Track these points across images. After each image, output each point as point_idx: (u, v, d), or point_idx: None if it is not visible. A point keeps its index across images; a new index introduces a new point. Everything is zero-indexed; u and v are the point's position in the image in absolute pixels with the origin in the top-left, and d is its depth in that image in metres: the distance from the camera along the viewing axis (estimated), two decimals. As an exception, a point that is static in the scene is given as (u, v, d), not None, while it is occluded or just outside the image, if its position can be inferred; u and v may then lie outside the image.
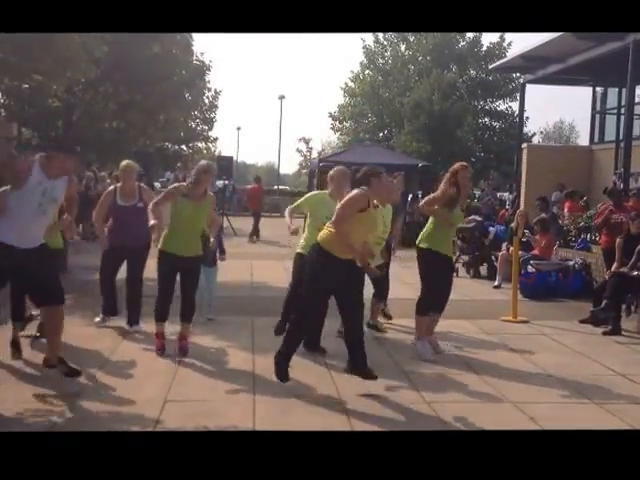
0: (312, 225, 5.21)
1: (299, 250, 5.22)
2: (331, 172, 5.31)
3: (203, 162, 5.25)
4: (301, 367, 4.86)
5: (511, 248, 8.17)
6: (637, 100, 12.90)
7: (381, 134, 28.69)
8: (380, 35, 28.87)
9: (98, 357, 4.89)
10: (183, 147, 26.95)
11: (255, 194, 16.48)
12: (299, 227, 5.32)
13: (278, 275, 9.25)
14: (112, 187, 6.04)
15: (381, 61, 29.15)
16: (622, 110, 13.64)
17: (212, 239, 5.34)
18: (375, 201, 4.32)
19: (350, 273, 4.17)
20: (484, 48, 27.78)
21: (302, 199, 5.59)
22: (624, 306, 6.83)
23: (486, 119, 28.10)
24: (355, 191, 4.23)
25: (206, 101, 23.83)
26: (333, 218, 4.23)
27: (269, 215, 20.96)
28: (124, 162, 5.97)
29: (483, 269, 9.99)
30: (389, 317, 6.49)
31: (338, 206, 4.27)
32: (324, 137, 68.11)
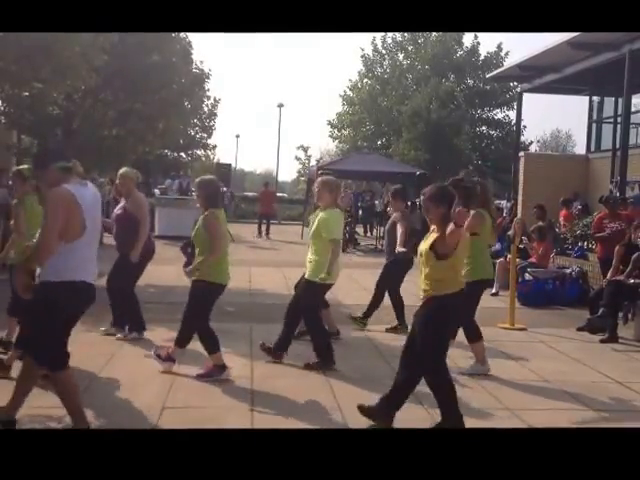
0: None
1: None
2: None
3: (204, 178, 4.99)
4: (299, 374, 4.88)
5: (509, 256, 8.21)
6: (633, 109, 12.98)
7: (379, 142, 28.79)
8: (379, 44, 29.06)
9: (96, 363, 4.89)
10: (182, 154, 27.05)
11: (263, 198, 18.72)
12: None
13: (276, 282, 9.27)
14: None
15: (379, 70, 29.32)
16: (618, 119, 13.73)
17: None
18: None
19: None
20: (482, 57, 27.96)
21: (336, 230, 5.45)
22: (621, 314, 6.86)
23: (483, 128, 28.24)
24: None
25: (205, 109, 23.96)
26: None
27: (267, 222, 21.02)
28: (121, 169, 5.98)
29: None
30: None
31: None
32: (322, 145, 68.26)
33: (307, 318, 5.18)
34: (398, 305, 6.53)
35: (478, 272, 5.05)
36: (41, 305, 3.34)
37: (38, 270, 3.46)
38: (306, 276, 5.12)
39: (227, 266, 4.78)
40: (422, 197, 3.87)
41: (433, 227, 3.80)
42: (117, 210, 5.85)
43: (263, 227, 17.88)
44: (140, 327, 5.78)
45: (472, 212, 5.00)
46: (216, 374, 4.67)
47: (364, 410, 3.86)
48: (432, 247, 3.67)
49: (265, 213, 18.22)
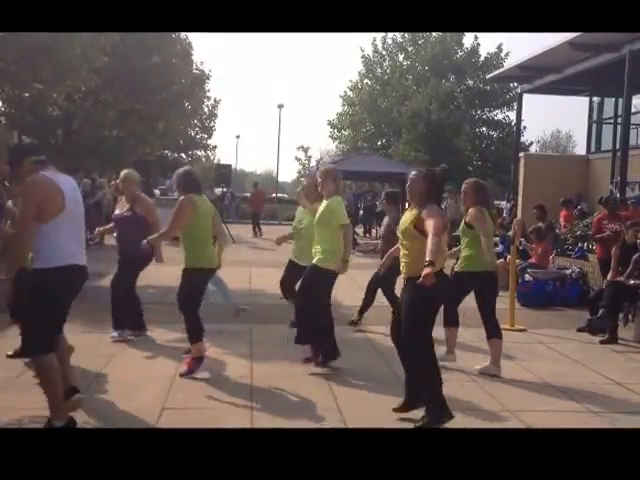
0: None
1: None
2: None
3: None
4: (298, 374, 4.88)
5: (508, 257, 8.21)
6: (633, 110, 12.99)
7: (379, 143, 28.80)
8: (379, 45, 29.07)
9: (97, 364, 4.90)
10: (182, 155, 27.06)
11: (252, 198, 19.85)
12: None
13: (276, 283, 9.26)
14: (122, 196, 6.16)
15: (380, 71, 29.32)
16: (619, 120, 13.73)
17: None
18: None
19: None
20: (482, 58, 27.95)
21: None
22: (621, 315, 6.86)
23: (483, 128, 28.21)
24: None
25: (205, 110, 23.97)
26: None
27: (267, 222, 21.07)
28: (123, 172, 6.01)
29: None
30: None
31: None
32: (322, 145, 68.26)
33: (306, 303, 5.02)
34: (396, 303, 6.55)
35: (484, 263, 5.15)
36: (35, 291, 3.40)
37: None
38: (316, 263, 4.94)
39: (212, 250, 4.90)
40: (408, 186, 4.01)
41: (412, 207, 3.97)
42: (123, 212, 5.82)
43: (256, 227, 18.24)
44: (142, 327, 5.84)
45: (472, 209, 5.28)
46: (196, 367, 4.70)
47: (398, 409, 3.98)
48: (416, 225, 3.82)
49: (257, 213, 18.91)
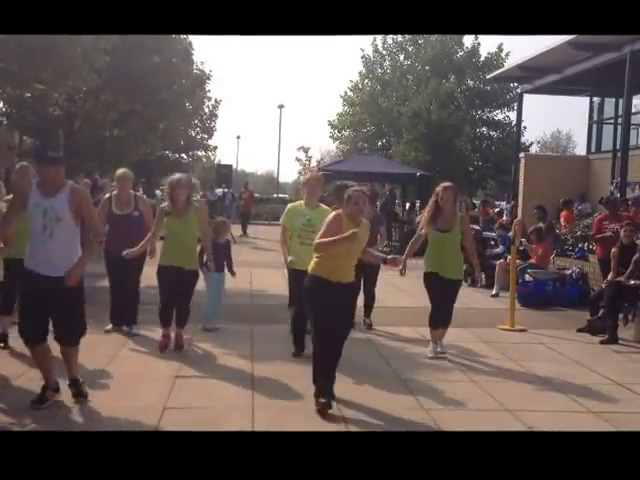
0: (293, 236, 5.38)
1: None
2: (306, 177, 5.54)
3: (173, 176, 5.49)
4: (299, 375, 4.89)
5: (509, 257, 8.22)
6: (634, 110, 12.99)
7: (380, 143, 28.82)
8: (379, 45, 29.09)
9: (99, 363, 4.92)
10: (183, 155, 27.09)
11: (244, 198, 20.23)
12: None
13: (277, 283, 9.27)
14: (108, 195, 6.11)
15: (380, 71, 29.33)
16: (619, 120, 13.74)
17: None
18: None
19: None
20: (482, 58, 27.96)
21: (283, 217, 5.64)
22: (621, 315, 6.87)
23: (484, 129, 28.22)
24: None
25: (206, 110, 23.99)
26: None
27: (268, 223, 21.10)
28: (119, 171, 6.05)
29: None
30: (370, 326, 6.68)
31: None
32: (323, 146, 68.16)
33: None
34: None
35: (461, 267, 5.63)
36: (83, 294, 3.98)
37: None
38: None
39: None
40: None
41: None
42: (129, 212, 5.85)
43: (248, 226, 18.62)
44: (117, 322, 6.06)
45: (466, 216, 5.57)
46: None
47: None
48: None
49: (249, 213, 19.45)
